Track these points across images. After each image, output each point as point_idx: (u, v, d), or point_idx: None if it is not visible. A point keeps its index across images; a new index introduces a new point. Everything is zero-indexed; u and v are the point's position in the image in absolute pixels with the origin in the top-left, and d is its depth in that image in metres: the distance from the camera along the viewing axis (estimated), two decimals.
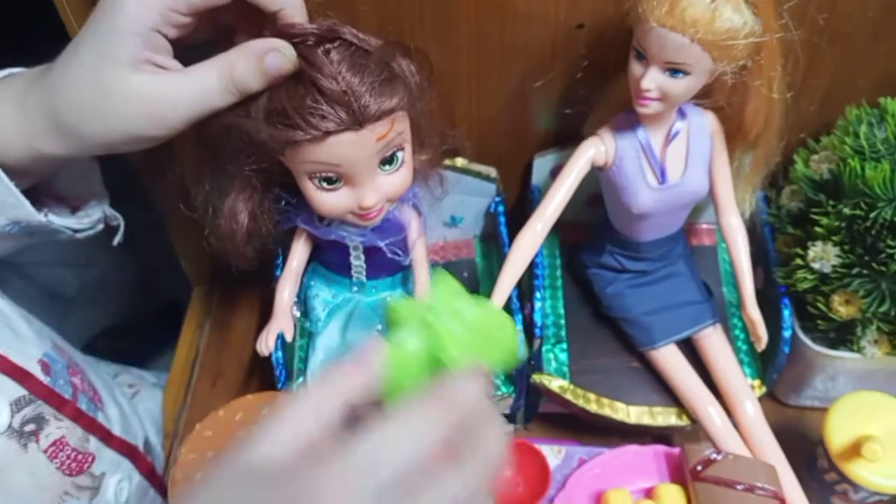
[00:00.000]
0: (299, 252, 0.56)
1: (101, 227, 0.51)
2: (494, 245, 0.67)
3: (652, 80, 0.49)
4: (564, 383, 0.61)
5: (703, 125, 0.56)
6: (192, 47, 0.43)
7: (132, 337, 0.83)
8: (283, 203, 0.52)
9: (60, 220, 0.47)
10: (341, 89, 0.41)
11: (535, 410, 0.65)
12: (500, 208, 0.65)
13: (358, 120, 0.42)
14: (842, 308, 0.56)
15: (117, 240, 0.52)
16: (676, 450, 0.54)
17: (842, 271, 0.55)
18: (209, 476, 0.30)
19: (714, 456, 0.52)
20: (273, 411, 0.30)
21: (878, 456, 0.53)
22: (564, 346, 0.63)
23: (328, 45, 0.42)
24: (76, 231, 0.48)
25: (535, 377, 0.60)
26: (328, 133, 0.41)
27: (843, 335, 0.59)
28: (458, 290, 0.37)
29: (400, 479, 0.28)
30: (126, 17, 0.39)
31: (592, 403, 0.60)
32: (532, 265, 0.60)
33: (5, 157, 0.42)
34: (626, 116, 0.55)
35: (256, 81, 0.41)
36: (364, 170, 0.44)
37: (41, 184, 0.47)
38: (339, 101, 0.41)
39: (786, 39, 0.50)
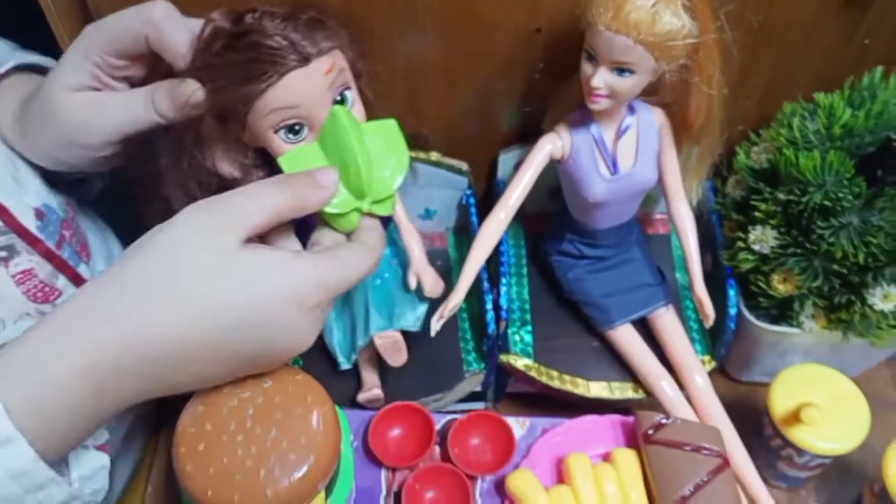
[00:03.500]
0: None
1: None
2: (466, 237, 0.72)
3: (601, 79, 0.54)
4: (529, 362, 0.65)
5: (652, 120, 0.61)
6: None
7: None
8: None
9: None
10: (281, 37, 0.46)
11: (503, 391, 0.70)
12: (472, 200, 0.70)
13: (303, 56, 0.46)
14: (780, 285, 0.61)
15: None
16: (631, 419, 0.59)
17: (779, 252, 0.60)
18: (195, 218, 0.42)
19: (664, 421, 0.56)
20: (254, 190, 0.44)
21: (816, 420, 0.58)
22: (529, 328, 0.68)
23: (253, 15, 0.47)
24: None
25: (503, 357, 0.65)
26: (281, 74, 0.46)
27: (783, 311, 0.64)
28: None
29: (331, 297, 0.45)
30: (74, 55, 0.49)
31: (555, 380, 0.65)
32: (498, 253, 0.65)
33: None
34: (580, 113, 0.60)
35: (167, 108, 0.49)
36: (320, 108, 0.48)
37: None
38: (283, 47, 0.46)
39: (723, 40, 0.55)
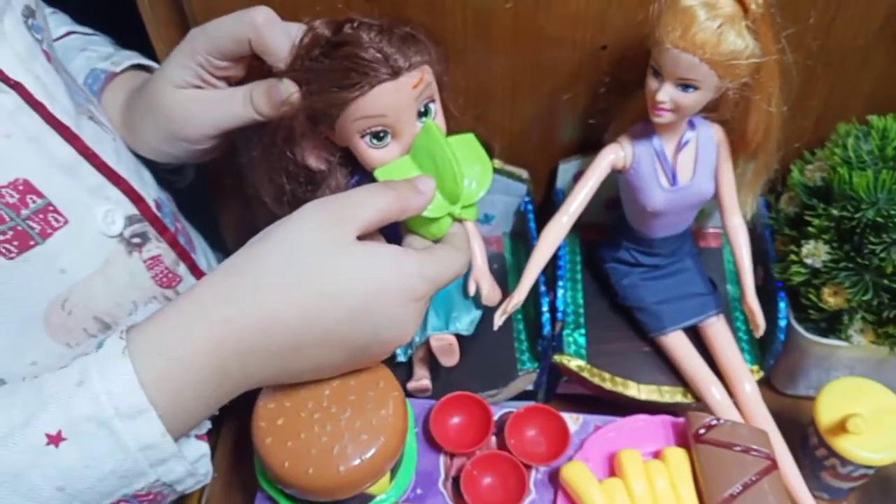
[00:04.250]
0: None
1: None
2: (523, 243, 0.75)
3: (666, 94, 0.57)
4: (582, 363, 0.68)
5: (711, 136, 0.63)
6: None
7: None
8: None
9: None
10: (376, 50, 0.49)
11: (553, 391, 0.72)
12: (530, 207, 0.73)
13: (394, 70, 0.50)
14: (831, 299, 0.63)
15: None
16: (680, 420, 0.61)
17: (831, 266, 0.62)
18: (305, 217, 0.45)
19: (714, 422, 0.59)
20: (361, 194, 0.47)
21: (861, 430, 0.59)
22: (583, 331, 0.70)
23: (351, 25, 0.51)
24: None
25: (557, 357, 0.68)
26: (372, 85, 0.49)
27: (832, 325, 0.66)
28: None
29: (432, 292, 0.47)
30: (180, 54, 0.53)
31: (607, 382, 0.67)
32: (555, 258, 0.68)
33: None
34: (642, 126, 0.63)
35: (265, 106, 0.52)
36: (406, 119, 0.52)
37: None
38: (376, 60, 0.49)
39: (783, 61, 0.58)
